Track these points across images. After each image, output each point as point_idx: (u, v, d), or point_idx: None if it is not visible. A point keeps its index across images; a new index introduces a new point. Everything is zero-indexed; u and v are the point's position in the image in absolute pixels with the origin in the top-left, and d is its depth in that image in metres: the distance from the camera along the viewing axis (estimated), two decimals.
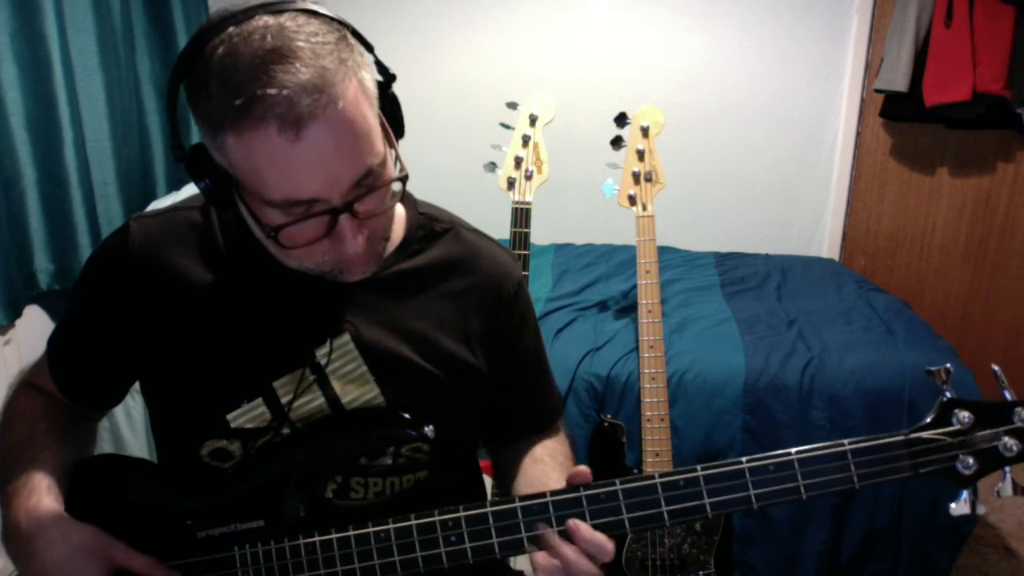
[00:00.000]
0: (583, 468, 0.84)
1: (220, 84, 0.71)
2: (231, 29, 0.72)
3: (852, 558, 2.02)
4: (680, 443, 1.97)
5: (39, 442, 0.92)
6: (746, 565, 2.04)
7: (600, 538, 0.80)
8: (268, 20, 0.72)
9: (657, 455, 1.84)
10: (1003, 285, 3.03)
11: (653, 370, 1.85)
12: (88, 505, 0.88)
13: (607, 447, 1.94)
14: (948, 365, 0.79)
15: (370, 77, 0.78)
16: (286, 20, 0.72)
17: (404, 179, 0.81)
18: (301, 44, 0.71)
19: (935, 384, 0.79)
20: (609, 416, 1.96)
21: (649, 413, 1.84)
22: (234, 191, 0.78)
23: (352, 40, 0.76)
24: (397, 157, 0.82)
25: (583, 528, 0.80)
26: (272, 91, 0.69)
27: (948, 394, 0.79)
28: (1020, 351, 3.03)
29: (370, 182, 0.77)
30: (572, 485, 0.83)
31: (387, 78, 0.83)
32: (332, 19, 0.76)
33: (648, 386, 1.85)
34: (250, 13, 0.72)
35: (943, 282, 3.10)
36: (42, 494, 0.86)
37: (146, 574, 0.85)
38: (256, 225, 0.79)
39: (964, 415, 0.78)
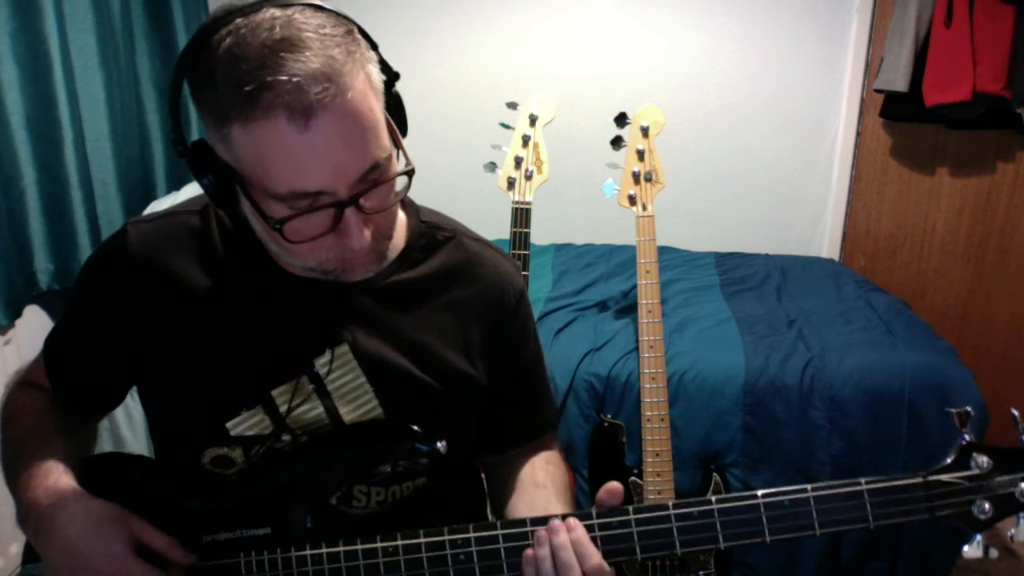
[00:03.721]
0: (616, 485, 0.83)
1: (227, 74, 0.70)
2: (238, 21, 0.71)
3: (852, 558, 2.02)
4: (680, 443, 1.97)
5: (47, 432, 0.93)
6: (746, 565, 2.04)
7: (590, 548, 0.79)
8: (276, 12, 0.72)
9: (657, 455, 1.84)
10: (1003, 285, 3.03)
11: (653, 370, 1.85)
12: None
13: (607, 447, 1.94)
14: (968, 408, 0.78)
15: (376, 72, 0.77)
16: (294, 13, 0.72)
17: (410, 173, 0.80)
18: (310, 35, 0.71)
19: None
20: (609, 416, 1.96)
21: (649, 413, 1.84)
22: (238, 187, 0.77)
23: (358, 35, 0.76)
24: (403, 153, 0.81)
25: (579, 529, 0.80)
26: (282, 78, 0.69)
27: (967, 437, 0.78)
28: (1020, 351, 3.03)
29: (376, 176, 0.77)
30: (600, 501, 0.82)
31: (390, 76, 0.82)
32: (339, 15, 0.75)
33: (648, 386, 1.85)
34: (257, 7, 0.72)
35: (943, 282, 3.10)
36: (60, 473, 0.86)
37: (164, 552, 0.85)
38: (260, 220, 0.77)
39: (983, 459, 0.78)
